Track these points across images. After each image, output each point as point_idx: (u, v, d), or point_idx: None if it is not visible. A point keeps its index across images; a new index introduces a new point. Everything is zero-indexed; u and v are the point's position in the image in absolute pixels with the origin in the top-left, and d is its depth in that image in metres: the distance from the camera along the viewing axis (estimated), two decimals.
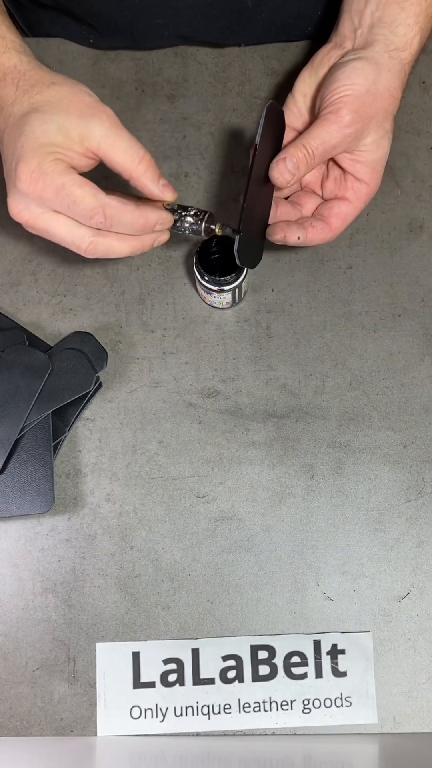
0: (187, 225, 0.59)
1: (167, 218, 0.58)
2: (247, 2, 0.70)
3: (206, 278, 0.66)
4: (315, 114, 0.61)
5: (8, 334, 0.69)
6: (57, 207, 0.55)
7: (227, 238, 0.66)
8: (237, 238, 0.57)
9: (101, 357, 0.68)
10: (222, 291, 0.67)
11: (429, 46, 0.63)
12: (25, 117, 0.55)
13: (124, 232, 0.56)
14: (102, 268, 0.73)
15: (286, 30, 0.74)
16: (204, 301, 0.72)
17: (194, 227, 0.59)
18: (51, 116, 0.54)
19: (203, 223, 0.59)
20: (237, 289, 0.68)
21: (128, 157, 0.55)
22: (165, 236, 0.59)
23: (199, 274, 0.66)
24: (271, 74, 0.76)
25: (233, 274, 0.66)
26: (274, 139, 0.61)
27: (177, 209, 0.59)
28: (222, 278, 0.66)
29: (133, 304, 0.72)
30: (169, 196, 0.57)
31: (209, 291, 0.68)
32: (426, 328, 0.71)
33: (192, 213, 0.59)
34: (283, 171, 0.59)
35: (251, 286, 0.72)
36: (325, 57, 0.62)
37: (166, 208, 0.58)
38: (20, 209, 0.56)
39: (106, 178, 0.58)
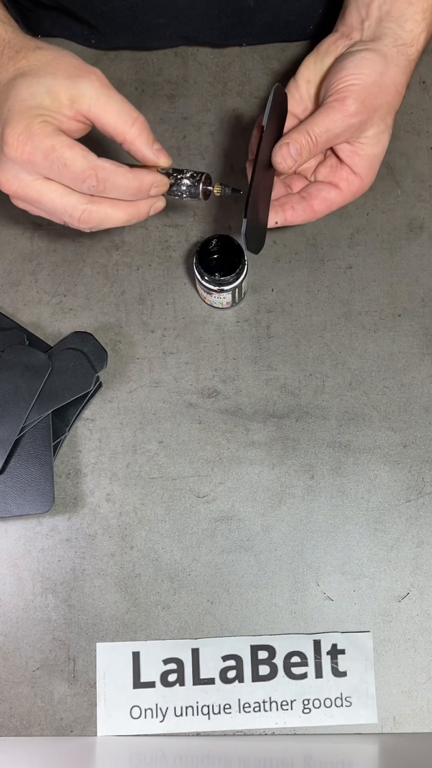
0: (184, 188, 0.57)
1: (163, 181, 0.55)
2: (249, 1, 0.70)
3: (206, 278, 0.66)
4: (319, 101, 0.61)
5: (8, 334, 0.69)
6: (47, 172, 0.52)
7: (228, 237, 0.66)
8: (244, 222, 0.56)
9: (101, 357, 0.68)
10: (222, 291, 0.67)
11: (429, 46, 0.63)
12: (12, 82, 0.53)
13: (118, 196, 0.54)
14: (102, 268, 0.73)
15: (287, 29, 0.74)
16: (204, 301, 0.72)
17: (191, 190, 0.57)
18: (38, 79, 0.52)
19: (200, 185, 0.57)
20: (237, 289, 0.68)
21: (121, 119, 0.53)
22: (161, 203, 0.57)
23: (199, 274, 0.66)
24: (271, 74, 0.76)
25: (233, 274, 0.66)
26: (277, 124, 0.60)
27: (172, 173, 0.57)
28: (222, 278, 0.66)
29: (133, 304, 0.72)
30: (163, 161, 0.55)
31: (209, 291, 0.68)
32: (426, 328, 0.71)
33: (188, 175, 0.57)
34: (286, 156, 0.58)
35: (251, 286, 0.72)
36: (332, 45, 0.62)
37: (161, 173, 0.56)
38: (8, 178, 0.53)
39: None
